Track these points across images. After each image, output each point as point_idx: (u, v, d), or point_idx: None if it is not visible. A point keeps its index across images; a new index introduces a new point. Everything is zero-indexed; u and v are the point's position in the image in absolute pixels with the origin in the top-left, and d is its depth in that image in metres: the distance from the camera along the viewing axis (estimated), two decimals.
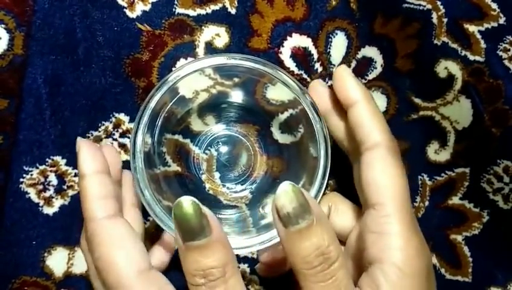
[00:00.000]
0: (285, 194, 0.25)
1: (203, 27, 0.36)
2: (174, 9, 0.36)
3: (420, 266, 0.26)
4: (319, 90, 0.32)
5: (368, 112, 0.29)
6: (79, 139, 0.30)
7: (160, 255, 0.33)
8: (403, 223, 0.27)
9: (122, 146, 0.36)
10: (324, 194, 0.32)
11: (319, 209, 0.26)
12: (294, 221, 0.25)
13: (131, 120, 0.36)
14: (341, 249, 0.26)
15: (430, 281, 0.27)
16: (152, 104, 0.30)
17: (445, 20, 0.36)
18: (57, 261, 0.35)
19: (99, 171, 0.29)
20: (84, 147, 0.30)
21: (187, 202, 0.25)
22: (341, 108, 0.31)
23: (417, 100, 0.37)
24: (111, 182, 0.29)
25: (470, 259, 0.37)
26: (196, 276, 0.25)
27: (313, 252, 0.25)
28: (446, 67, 0.36)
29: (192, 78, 0.31)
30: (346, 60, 0.36)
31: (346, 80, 0.30)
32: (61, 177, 0.35)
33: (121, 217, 0.29)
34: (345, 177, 0.36)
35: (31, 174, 0.35)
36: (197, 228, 0.25)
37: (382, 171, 0.28)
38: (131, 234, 0.28)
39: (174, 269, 0.32)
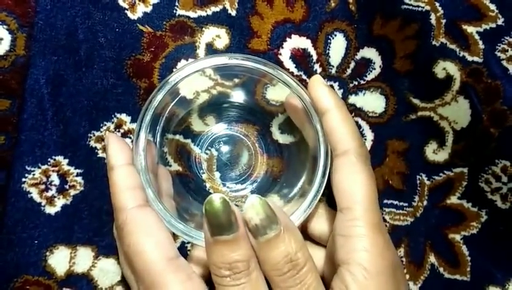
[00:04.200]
0: (252, 207, 0.27)
1: (203, 28, 0.36)
2: (175, 11, 0.36)
3: (385, 265, 0.28)
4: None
5: (339, 120, 0.30)
6: (108, 134, 0.34)
7: None
8: (368, 226, 0.28)
9: None
10: (323, 194, 0.32)
11: (286, 218, 0.28)
12: (263, 231, 0.27)
13: (133, 120, 0.36)
14: (309, 255, 0.28)
15: (396, 278, 0.28)
16: (154, 103, 0.31)
17: (443, 21, 0.37)
18: (59, 260, 0.35)
19: (128, 163, 0.30)
20: (113, 141, 0.31)
21: (218, 199, 0.27)
22: None
23: (415, 101, 0.37)
24: (137, 173, 0.30)
25: (468, 258, 0.37)
26: (222, 268, 0.27)
27: (282, 259, 0.27)
28: (444, 68, 0.37)
29: (192, 79, 0.31)
30: (345, 61, 0.37)
31: (318, 89, 0.31)
32: (63, 177, 0.35)
33: (149, 206, 0.30)
34: None
35: (33, 174, 0.35)
36: (226, 223, 0.27)
37: (350, 177, 0.29)
38: (160, 223, 0.30)
39: None
